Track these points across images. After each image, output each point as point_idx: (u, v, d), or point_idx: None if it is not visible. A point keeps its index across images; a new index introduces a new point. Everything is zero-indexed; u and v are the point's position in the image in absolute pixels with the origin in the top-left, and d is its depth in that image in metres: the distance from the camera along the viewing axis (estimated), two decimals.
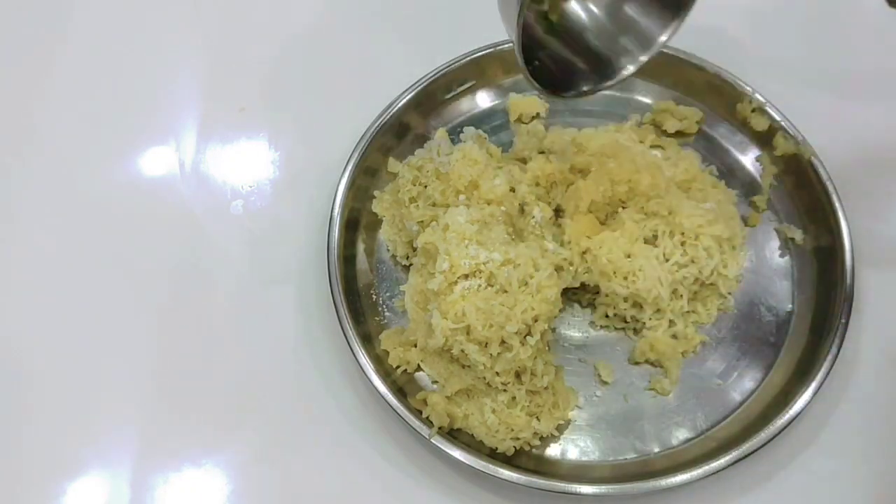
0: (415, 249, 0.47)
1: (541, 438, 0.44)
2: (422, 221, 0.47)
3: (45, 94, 0.56)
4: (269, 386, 0.47)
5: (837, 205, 0.48)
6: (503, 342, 0.42)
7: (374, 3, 0.60)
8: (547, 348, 0.45)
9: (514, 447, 0.43)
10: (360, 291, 0.49)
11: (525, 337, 0.42)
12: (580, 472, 0.43)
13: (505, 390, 0.43)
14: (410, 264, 0.49)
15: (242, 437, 0.46)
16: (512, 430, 0.43)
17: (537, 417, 0.43)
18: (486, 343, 0.42)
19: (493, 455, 0.43)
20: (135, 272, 0.50)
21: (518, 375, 0.43)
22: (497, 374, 0.43)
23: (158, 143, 0.54)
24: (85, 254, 0.51)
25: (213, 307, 0.49)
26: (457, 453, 0.42)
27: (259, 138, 0.55)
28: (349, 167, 0.49)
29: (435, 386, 0.46)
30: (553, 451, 0.45)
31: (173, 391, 0.47)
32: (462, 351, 0.42)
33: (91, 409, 0.46)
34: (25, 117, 0.55)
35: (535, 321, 0.42)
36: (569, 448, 0.45)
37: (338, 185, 0.49)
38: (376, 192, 0.51)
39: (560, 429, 0.45)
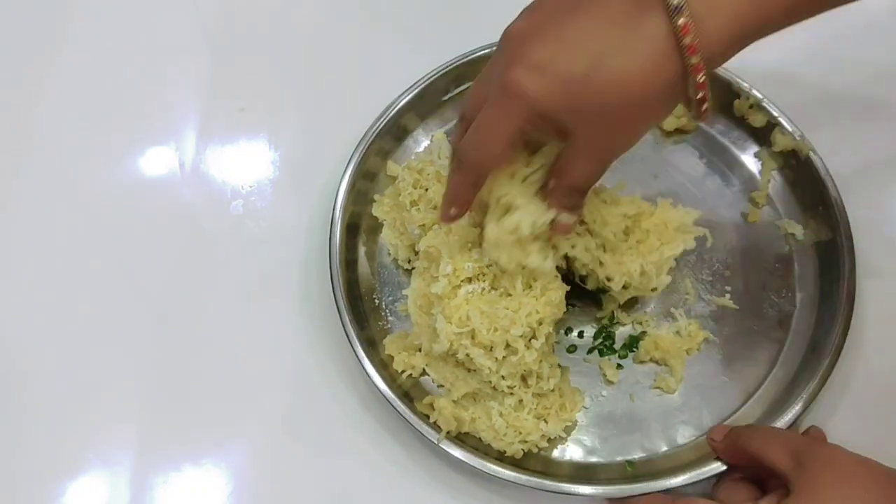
0: (417, 253, 0.47)
1: (548, 440, 0.44)
2: (423, 225, 0.46)
3: (45, 94, 0.55)
4: (270, 387, 0.47)
5: (837, 199, 0.47)
6: (508, 346, 0.41)
7: (374, 4, 0.60)
8: (551, 350, 0.44)
9: (523, 450, 0.43)
10: (363, 296, 0.48)
11: (530, 340, 0.42)
12: (588, 473, 0.43)
13: (511, 394, 0.43)
14: (412, 268, 0.48)
15: (243, 438, 0.45)
16: (520, 433, 0.43)
17: (545, 420, 0.43)
18: (491, 347, 0.41)
19: (501, 458, 0.43)
20: (135, 272, 0.50)
21: (524, 379, 0.43)
22: (503, 377, 0.42)
23: (158, 143, 0.54)
24: (85, 253, 0.50)
25: (214, 307, 0.49)
26: (465, 457, 0.42)
27: (259, 138, 0.55)
28: (348, 171, 0.49)
29: (440, 389, 0.45)
30: (560, 452, 0.44)
31: (173, 391, 0.47)
32: (467, 355, 0.41)
33: (91, 409, 0.46)
34: (25, 117, 0.55)
35: (540, 324, 0.42)
36: (576, 448, 0.45)
37: (337, 190, 0.48)
38: (376, 196, 0.50)
39: (567, 430, 0.44)
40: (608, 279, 0.44)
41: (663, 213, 0.45)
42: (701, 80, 0.31)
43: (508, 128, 0.33)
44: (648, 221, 0.45)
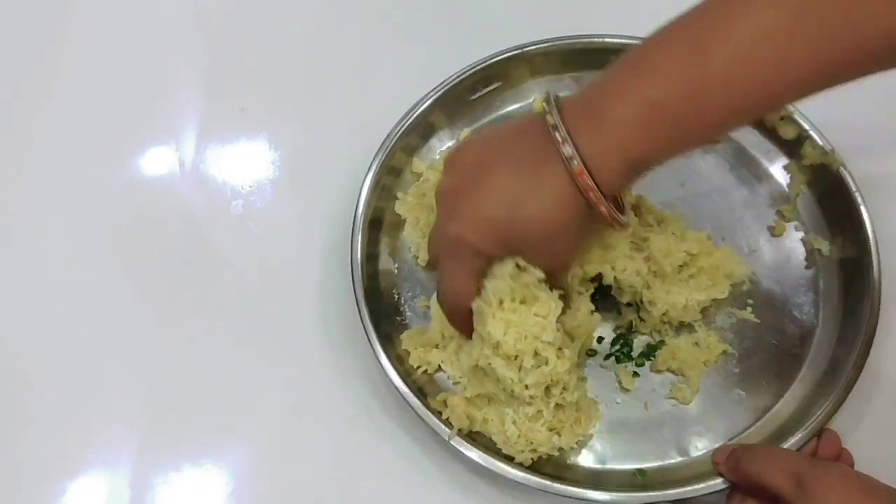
0: None
1: (573, 447, 0.51)
2: None
3: (45, 94, 0.65)
4: (272, 387, 0.55)
5: (865, 216, 0.55)
6: (537, 354, 0.48)
7: (375, 4, 0.70)
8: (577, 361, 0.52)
9: (532, 458, 0.50)
10: (382, 291, 0.57)
11: (559, 349, 0.48)
12: (598, 479, 0.51)
13: (530, 404, 0.49)
14: (427, 265, 0.57)
15: (244, 438, 0.53)
16: (531, 443, 0.50)
17: (558, 433, 0.50)
18: (517, 356, 0.48)
19: (511, 460, 0.50)
20: (134, 272, 0.58)
21: (547, 388, 0.49)
22: (526, 387, 0.48)
23: (158, 143, 0.63)
24: (84, 254, 0.59)
25: (215, 307, 0.57)
26: (476, 455, 0.49)
27: (259, 138, 0.64)
28: (374, 166, 0.57)
29: (455, 387, 0.53)
30: (572, 456, 0.52)
31: (173, 391, 0.55)
32: (489, 364, 0.48)
33: (91, 409, 0.54)
34: (25, 117, 0.64)
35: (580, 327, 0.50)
36: (587, 454, 0.52)
37: (362, 184, 0.57)
38: (399, 194, 0.59)
39: (580, 443, 0.52)
40: (650, 303, 0.53)
41: (722, 257, 0.54)
42: (603, 211, 0.43)
43: (465, 270, 0.47)
44: (706, 260, 0.54)
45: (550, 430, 0.50)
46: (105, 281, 0.58)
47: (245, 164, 0.63)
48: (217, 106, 0.65)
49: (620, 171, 0.43)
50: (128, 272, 0.59)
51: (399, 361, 0.53)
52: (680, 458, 0.52)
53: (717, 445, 0.52)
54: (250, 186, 0.62)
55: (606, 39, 0.61)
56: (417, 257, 0.58)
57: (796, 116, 0.58)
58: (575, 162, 0.42)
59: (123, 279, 0.58)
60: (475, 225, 0.45)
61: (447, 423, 0.51)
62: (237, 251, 0.60)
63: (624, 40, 0.60)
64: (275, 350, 0.56)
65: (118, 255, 0.59)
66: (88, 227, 0.60)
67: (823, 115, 0.57)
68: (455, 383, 0.54)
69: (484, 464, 0.50)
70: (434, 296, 0.52)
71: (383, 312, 0.56)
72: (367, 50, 0.67)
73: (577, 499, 0.49)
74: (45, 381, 0.55)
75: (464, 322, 0.50)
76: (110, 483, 0.52)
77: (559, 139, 0.42)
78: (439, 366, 0.54)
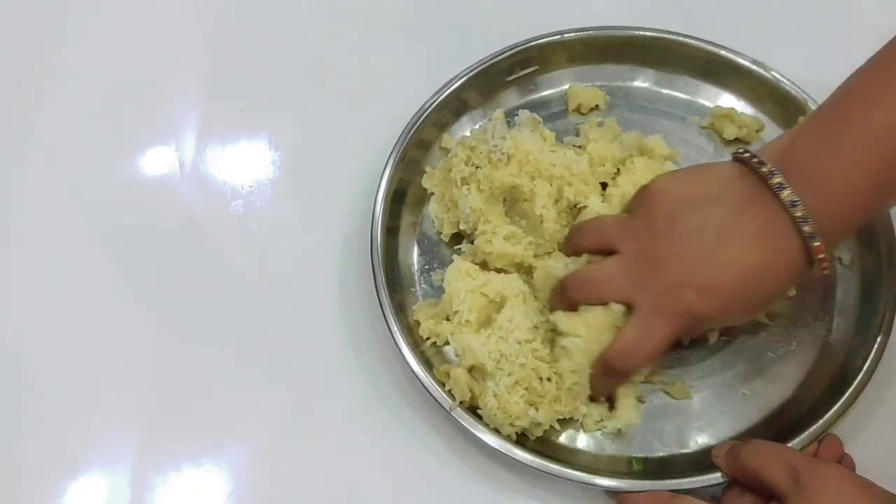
0: (462, 231, 0.62)
1: (554, 426, 0.57)
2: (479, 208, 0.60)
3: (44, 94, 0.71)
4: (272, 387, 0.61)
5: (889, 231, 0.60)
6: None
7: (375, 3, 0.76)
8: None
9: (516, 433, 0.56)
10: (398, 264, 0.63)
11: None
12: (593, 464, 0.56)
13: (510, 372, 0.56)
14: (450, 240, 0.64)
15: (244, 437, 0.59)
16: (509, 416, 0.55)
17: (535, 407, 0.56)
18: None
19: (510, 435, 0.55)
20: (134, 272, 0.64)
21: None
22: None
23: (158, 143, 0.70)
24: (84, 254, 0.65)
25: (215, 307, 0.63)
26: (477, 431, 0.55)
27: (259, 138, 0.70)
28: (402, 138, 0.64)
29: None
30: (569, 440, 0.58)
31: (173, 391, 0.60)
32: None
33: (91, 409, 0.59)
34: (24, 117, 0.70)
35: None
36: (585, 439, 0.58)
37: (388, 157, 0.63)
38: (427, 168, 0.65)
39: (563, 423, 0.57)
40: None
41: None
42: (826, 272, 0.52)
43: (670, 338, 0.53)
44: None
45: (528, 403, 0.56)
46: (105, 281, 0.64)
47: (245, 164, 0.70)
48: (217, 106, 0.71)
49: (845, 235, 0.55)
50: (128, 272, 0.65)
51: (408, 332, 0.59)
52: (678, 451, 0.58)
53: (715, 442, 0.57)
54: (250, 186, 0.68)
55: (647, 33, 0.69)
56: (441, 232, 0.64)
57: None
58: (815, 240, 0.50)
59: (123, 279, 0.64)
60: (710, 295, 0.52)
61: (450, 394, 0.57)
62: (237, 251, 0.66)
63: (664, 35, 0.69)
64: (275, 350, 0.62)
65: (118, 255, 0.65)
66: (88, 227, 0.66)
67: None
68: (457, 355, 0.59)
69: (484, 439, 0.56)
70: (450, 272, 0.60)
71: (397, 285, 0.62)
72: (368, 50, 0.74)
73: (571, 481, 0.55)
74: (45, 381, 0.61)
75: (616, 386, 0.57)
76: (110, 483, 0.58)
77: (798, 216, 0.50)
78: (448, 339, 0.59)
